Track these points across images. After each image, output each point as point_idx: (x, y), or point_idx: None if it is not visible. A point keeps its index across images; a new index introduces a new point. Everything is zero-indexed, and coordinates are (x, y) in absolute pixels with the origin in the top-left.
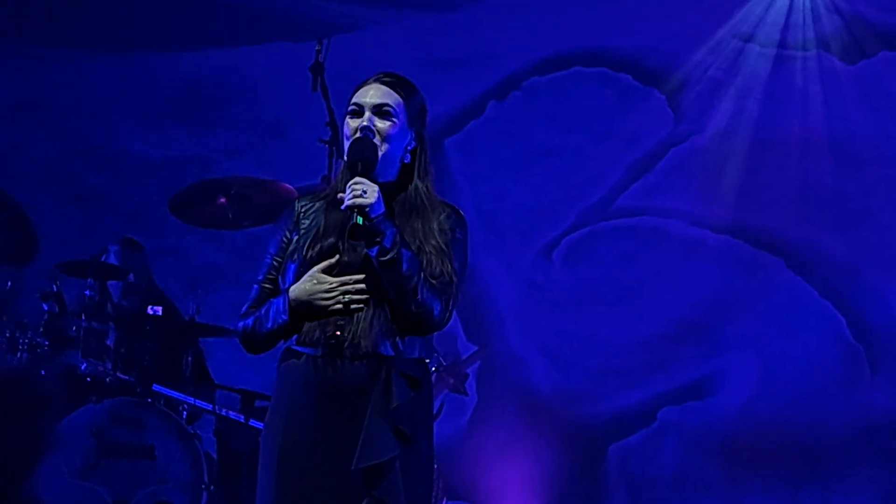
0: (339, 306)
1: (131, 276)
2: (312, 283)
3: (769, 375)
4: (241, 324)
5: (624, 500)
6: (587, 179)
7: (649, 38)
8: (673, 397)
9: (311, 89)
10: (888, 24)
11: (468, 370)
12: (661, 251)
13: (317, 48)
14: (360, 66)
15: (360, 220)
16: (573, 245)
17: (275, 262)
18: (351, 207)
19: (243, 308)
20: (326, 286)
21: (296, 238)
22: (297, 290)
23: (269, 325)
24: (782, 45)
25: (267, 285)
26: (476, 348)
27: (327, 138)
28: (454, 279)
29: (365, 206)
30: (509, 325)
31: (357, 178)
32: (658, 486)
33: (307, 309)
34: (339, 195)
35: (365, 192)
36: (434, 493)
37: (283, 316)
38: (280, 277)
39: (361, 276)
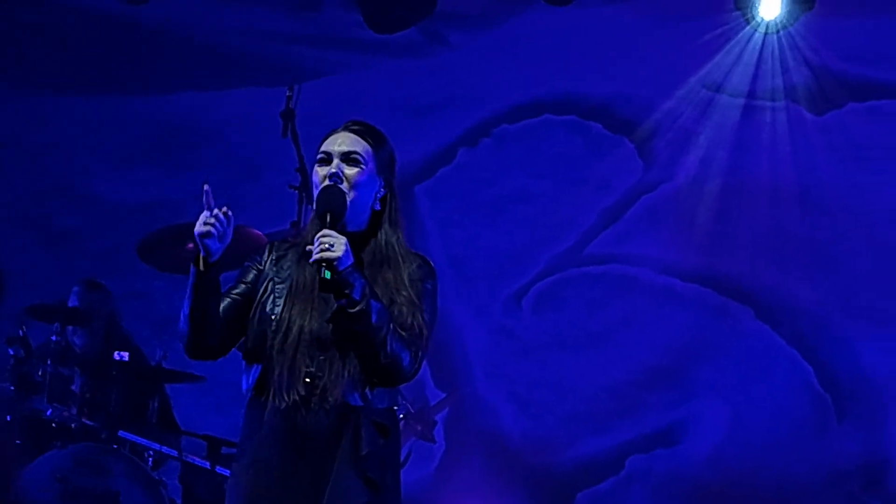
0: (204, 228)
1: (93, 323)
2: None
3: (737, 423)
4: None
5: None
6: (557, 226)
7: (620, 86)
8: (641, 444)
9: (282, 135)
10: (855, 75)
11: (436, 417)
12: (631, 298)
13: (287, 94)
14: (330, 111)
15: (327, 274)
16: (543, 291)
17: (241, 284)
18: (318, 261)
19: None
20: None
21: (269, 284)
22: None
23: (185, 298)
24: (751, 95)
25: (228, 298)
26: (444, 395)
27: (297, 184)
28: (424, 331)
29: (333, 260)
30: (478, 371)
31: (325, 231)
32: None
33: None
34: (308, 247)
35: (332, 245)
36: None
37: (191, 277)
38: (249, 322)
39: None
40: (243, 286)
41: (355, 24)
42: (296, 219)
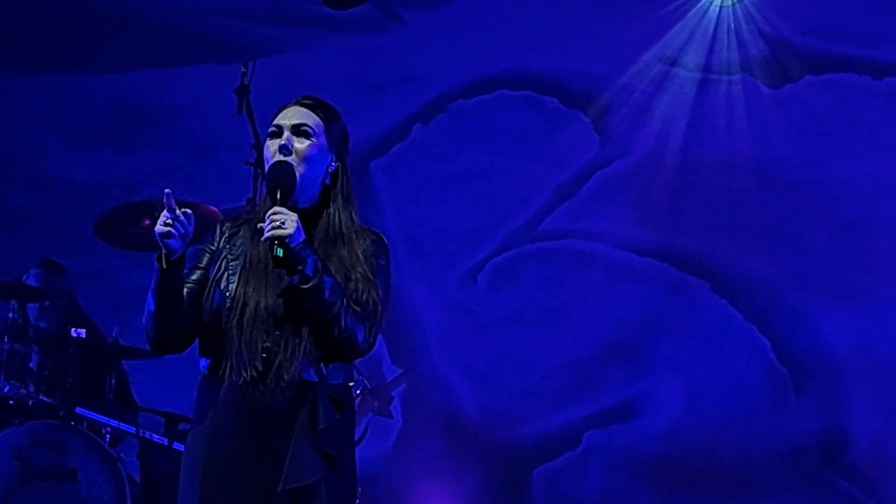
0: (165, 229)
1: (46, 301)
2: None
3: (694, 398)
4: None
5: None
6: (513, 202)
7: (575, 61)
8: (598, 420)
9: (237, 112)
10: (812, 48)
11: (393, 393)
12: (587, 274)
13: (242, 70)
14: (285, 88)
15: (279, 251)
16: (498, 267)
17: (197, 270)
18: (270, 239)
19: None
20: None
21: (222, 262)
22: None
23: (150, 289)
24: (707, 69)
25: (191, 285)
26: (401, 371)
27: (252, 160)
28: (379, 307)
29: (284, 237)
30: (434, 347)
31: (275, 209)
32: None
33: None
34: (260, 225)
35: (283, 223)
36: None
37: (154, 275)
38: (204, 301)
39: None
40: (199, 272)
41: (310, 1)
42: (251, 195)
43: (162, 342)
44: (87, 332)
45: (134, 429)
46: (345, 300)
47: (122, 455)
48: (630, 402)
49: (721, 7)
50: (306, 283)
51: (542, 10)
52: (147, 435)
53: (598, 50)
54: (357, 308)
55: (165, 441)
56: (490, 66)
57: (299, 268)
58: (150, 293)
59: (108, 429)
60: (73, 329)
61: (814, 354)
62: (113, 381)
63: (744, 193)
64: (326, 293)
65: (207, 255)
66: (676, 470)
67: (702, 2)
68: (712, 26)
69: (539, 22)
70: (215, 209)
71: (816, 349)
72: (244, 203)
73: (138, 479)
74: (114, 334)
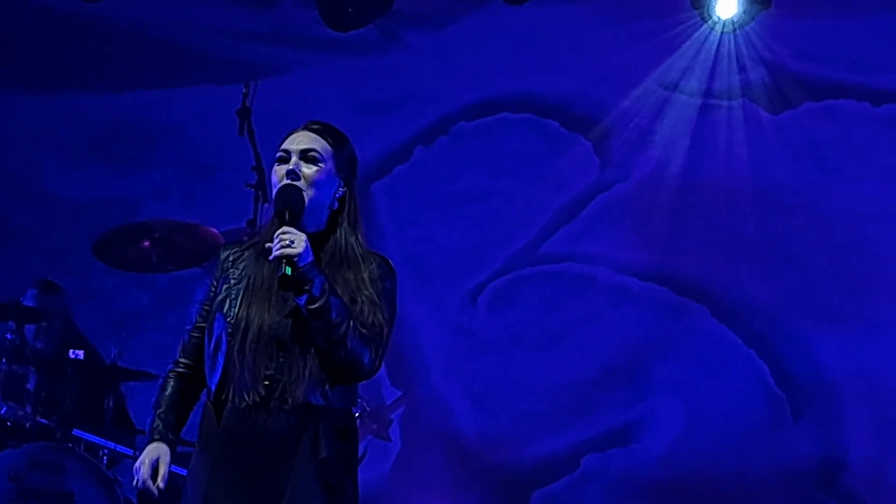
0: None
1: (43, 323)
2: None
3: (693, 422)
4: (162, 377)
5: None
6: (513, 224)
7: (576, 85)
8: (597, 443)
9: (238, 133)
10: (811, 74)
11: (392, 415)
12: (587, 297)
13: (244, 91)
14: (287, 109)
15: (288, 270)
16: (499, 289)
17: (203, 310)
18: (279, 258)
19: (175, 356)
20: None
21: (224, 287)
22: (144, 453)
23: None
24: (708, 94)
25: (195, 334)
26: (400, 393)
27: (253, 182)
28: (384, 329)
29: (293, 256)
30: (434, 369)
31: (284, 228)
32: None
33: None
34: (267, 245)
35: (293, 242)
36: None
37: (146, 437)
38: (207, 326)
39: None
40: (206, 310)
41: (312, 22)
42: (252, 217)
43: None
44: (84, 354)
45: (131, 451)
46: (351, 322)
47: (119, 477)
48: (629, 425)
49: (722, 33)
50: (313, 304)
51: (544, 33)
52: None
53: (600, 74)
54: (363, 330)
55: None
56: (491, 88)
57: (307, 287)
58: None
59: (106, 451)
60: (71, 350)
61: (812, 379)
62: (111, 403)
63: (743, 217)
64: (333, 314)
65: (212, 291)
66: (674, 494)
67: (703, 27)
68: (713, 52)
69: (541, 45)
70: (215, 231)
71: (814, 374)
72: (244, 225)
73: (135, 502)
74: (112, 356)
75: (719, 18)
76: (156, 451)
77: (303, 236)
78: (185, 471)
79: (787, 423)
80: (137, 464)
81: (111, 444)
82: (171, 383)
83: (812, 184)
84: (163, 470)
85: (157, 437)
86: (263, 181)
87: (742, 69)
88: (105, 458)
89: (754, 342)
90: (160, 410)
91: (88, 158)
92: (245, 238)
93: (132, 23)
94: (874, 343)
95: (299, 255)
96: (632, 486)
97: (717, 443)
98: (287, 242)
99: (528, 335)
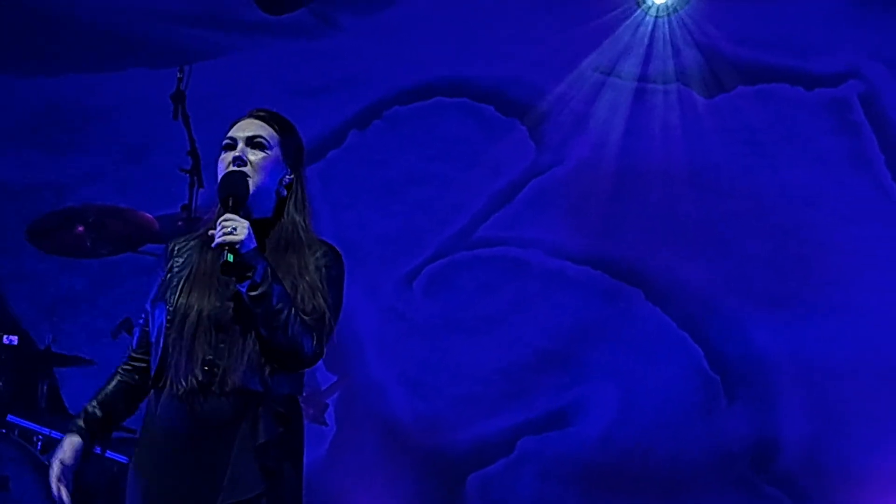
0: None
1: None
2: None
3: (628, 405)
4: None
5: None
6: (449, 209)
7: (512, 69)
8: (532, 426)
9: (173, 118)
10: (744, 58)
11: (328, 400)
12: (522, 281)
13: (178, 76)
14: (222, 93)
15: (230, 257)
16: (434, 274)
17: (153, 305)
18: (221, 245)
19: (128, 351)
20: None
21: (168, 276)
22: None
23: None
24: (643, 78)
25: (146, 328)
26: (336, 378)
27: (188, 167)
28: (327, 314)
29: (235, 243)
30: (370, 353)
31: (227, 216)
32: None
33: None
34: (211, 232)
35: (235, 229)
36: None
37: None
38: (150, 316)
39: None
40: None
41: (245, 5)
42: (187, 202)
43: None
44: (18, 339)
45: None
46: (293, 309)
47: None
48: (564, 408)
49: (656, 17)
50: (255, 290)
51: (479, 18)
52: None
53: (535, 58)
54: (305, 317)
55: (98, 449)
56: (426, 72)
57: (248, 274)
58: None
59: (40, 436)
60: (4, 336)
61: (745, 362)
62: (45, 388)
63: (678, 201)
64: (274, 300)
65: (164, 282)
66: (609, 476)
67: (638, 11)
68: (648, 36)
69: (476, 29)
70: (149, 216)
71: (748, 357)
72: (179, 209)
73: (70, 489)
74: (46, 341)
75: (654, 3)
76: (66, 449)
77: (245, 223)
78: (126, 458)
79: (721, 406)
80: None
81: (45, 430)
82: (116, 378)
83: (747, 168)
84: (64, 469)
85: (72, 428)
86: (198, 166)
87: (676, 53)
88: (39, 443)
89: (688, 325)
90: (90, 403)
91: (21, 142)
92: (179, 223)
93: (65, 6)
94: (808, 326)
95: (241, 241)
96: (567, 468)
97: (651, 425)
98: (229, 229)
99: (463, 319)
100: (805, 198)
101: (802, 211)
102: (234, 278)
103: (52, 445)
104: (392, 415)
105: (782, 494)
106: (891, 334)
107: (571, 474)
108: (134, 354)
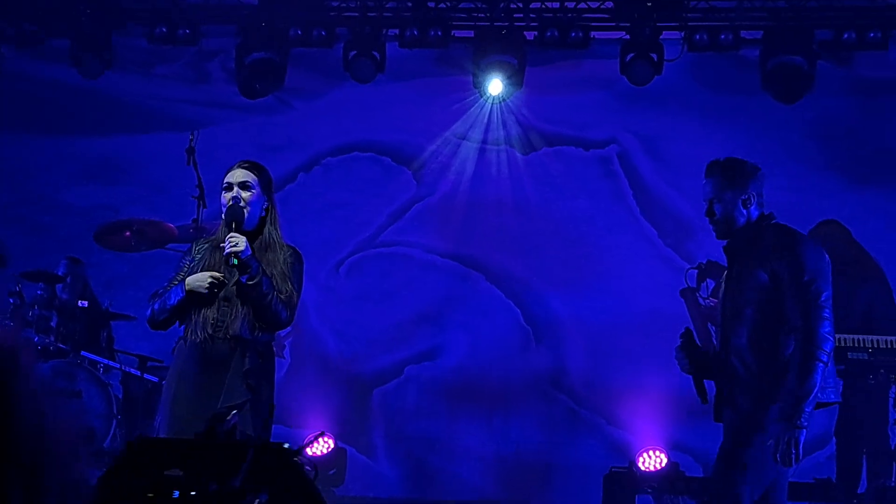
0: (205, 291)
1: (68, 279)
2: (197, 277)
3: (474, 347)
4: (149, 309)
5: (382, 425)
6: (361, 223)
7: (403, 135)
8: (414, 359)
9: (186, 164)
10: (547, 130)
11: (285, 342)
12: (408, 269)
13: (191, 137)
14: (219, 148)
15: (234, 261)
16: (353, 263)
17: (178, 277)
18: (229, 254)
19: (154, 292)
20: (205, 280)
21: (190, 265)
22: (190, 279)
23: (172, 301)
24: (484, 141)
25: (167, 286)
26: (290, 329)
27: (196, 195)
28: (294, 296)
29: (238, 252)
30: (312, 314)
31: (232, 234)
32: (405, 415)
33: (192, 289)
34: (221, 245)
35: (237, 243)
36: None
37: (180, 294)
38: (171, 284)
39: (226, 281)
40: (181, 277)
41: (233, 93)
42: (195, 216)
43: (160, 325)
44: (88, 303)
45: (118, 365)
46: (275, 292)
47: (111, 381)
48: (433, 348)
49: (493, 103)
50: (252, 280)
51: (382, 102)
52: (127, 369)
53: (417, 128)
54: (281, 296)
55: (139, 373)
56: (348, 136)
57: (248, 270)
58: (172, 300)
59: (101, 365)
60: (80, 301)
61: (547, 319)
62: (104, 335)
63: (507, 221)
64: (264, 287)
65: (186, 266)
66: (463, 391)
67: (480, 100)
68: (487, 115)
69: (381, 110)
70: (171, 225)
71: (549, 316)
72: (189, 222)
73: (121, 397)
74: (105, 304)
75: (490, 95)
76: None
77: (243, 238)
78: (157, 379)
79: (532, 347)
80: (196, 286)
81: (105, 360)
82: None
83: (547, 199)
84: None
85: (178, 279)
86: (203, 194)
87: (505, 126)
88: (101, 369)
89: (512, 296)
90: (163, 288)
91: (84, 180)
92: (191, 230)
93: (116, 91)
94: (584, 299)
95: (242, 250)
96: (436, 386)
97: (488, 359)
98: (235, 243)
99: (371, 293)
100: (583, 218)
101: (581, 226)
102: (237, 271)
103: (109, 371)
104: (325, 353)
105: (569, 400)
106: (637, 305)
107: (439, 390)
108: (157, 294)
